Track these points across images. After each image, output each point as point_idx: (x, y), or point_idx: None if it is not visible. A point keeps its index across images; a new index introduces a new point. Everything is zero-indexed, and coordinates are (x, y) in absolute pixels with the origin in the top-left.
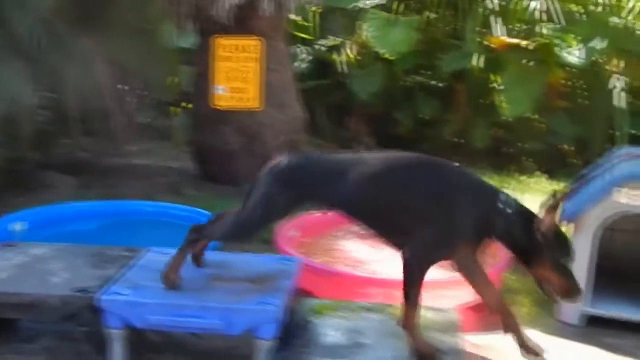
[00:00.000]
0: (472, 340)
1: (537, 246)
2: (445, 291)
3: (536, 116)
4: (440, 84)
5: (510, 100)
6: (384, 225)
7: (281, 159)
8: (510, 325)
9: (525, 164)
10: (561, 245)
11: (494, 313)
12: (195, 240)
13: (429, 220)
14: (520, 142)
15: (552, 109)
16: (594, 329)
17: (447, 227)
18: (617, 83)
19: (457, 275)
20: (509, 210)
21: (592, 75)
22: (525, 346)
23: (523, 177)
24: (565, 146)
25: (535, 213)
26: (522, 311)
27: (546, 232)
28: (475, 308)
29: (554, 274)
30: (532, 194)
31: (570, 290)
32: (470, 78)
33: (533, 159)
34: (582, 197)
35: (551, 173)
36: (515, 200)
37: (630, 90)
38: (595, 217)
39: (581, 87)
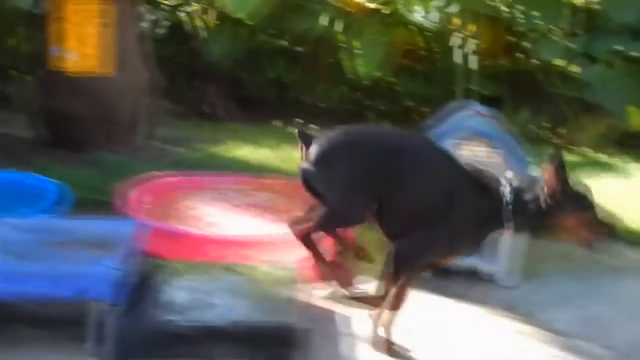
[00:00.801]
0: (317, 293)
1: (552, 211)
2: (286, 247)
3: (392, 79)
4: (298, 48)
5: (363, 62)
6: None
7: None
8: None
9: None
10: (576, 198)
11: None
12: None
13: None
14: (375, 104)
15: (406, 71)
16: (446, 281)
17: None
18: (468, 45)
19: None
20: (511, 197)
21: (444, 37)
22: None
23: None
24: (416, 106)
25: (537, 181)
26: (375, 266)
27: (554, 194)
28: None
29: (580, 224)
30: None
31: (603, 229)
32: (325, 41)
33: (386, 120)
34: None
35: None
36: (514, 182)
37: (480, 52)
38: None
39: (434, 49)
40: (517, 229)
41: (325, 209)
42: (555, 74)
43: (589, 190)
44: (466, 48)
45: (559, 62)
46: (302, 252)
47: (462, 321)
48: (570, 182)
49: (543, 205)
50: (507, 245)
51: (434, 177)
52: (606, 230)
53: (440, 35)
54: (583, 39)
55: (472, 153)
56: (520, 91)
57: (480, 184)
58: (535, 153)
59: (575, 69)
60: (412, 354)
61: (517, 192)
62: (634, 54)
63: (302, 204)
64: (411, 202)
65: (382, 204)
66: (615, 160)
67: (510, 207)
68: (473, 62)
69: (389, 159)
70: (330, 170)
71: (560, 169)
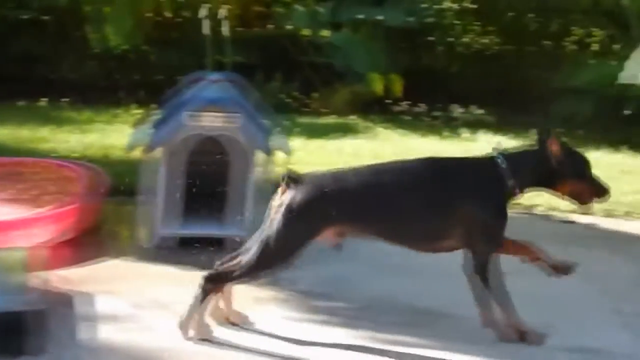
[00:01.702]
0: (60, 274)
1: (557, 172)
2: (22, 231)
3: (145, 49)
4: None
5: (111, 33)
6: None
7: (292, 192)
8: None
9: (121, 97)
10: (577, 159)
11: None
12: (212, 290)
13: None
14: (127, 75)
15: (158, 41)
16: (186, 249)
17: None
18: (220, 13)
19: (33, 214)
20: (511, 166)
21: (194, 6)
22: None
23: (118, 111)
24: (169, 77)
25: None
26: (119, 240)
27: (559, 157)
28: (62, 244)
29: (581, 184)
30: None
31: (600, 191)
32: (71, 12)
33: (139, 91)
34: (168, 124)
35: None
36: (511, 152)
37: (232, 20)
38: (180, 143)
39: (185, 18)
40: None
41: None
42: (305, 42)
43: (585, 157)
44: (218, 16)
45: (308, 30)
46: (37, 235)
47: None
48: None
49: (554, 165)
50: (252, 211)
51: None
52: (604, 192)
53: (190, 4)
54: (330, 6)
55: (209, 122)
56: (272, 59)
57: (474, 167)
58: (286, 120)
59: (326, 35)
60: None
61: (515, 165)
62: (378, 19)
63: (43, 185)
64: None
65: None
66: (361, 123)
67: (512, 180)
68: (225, 31)
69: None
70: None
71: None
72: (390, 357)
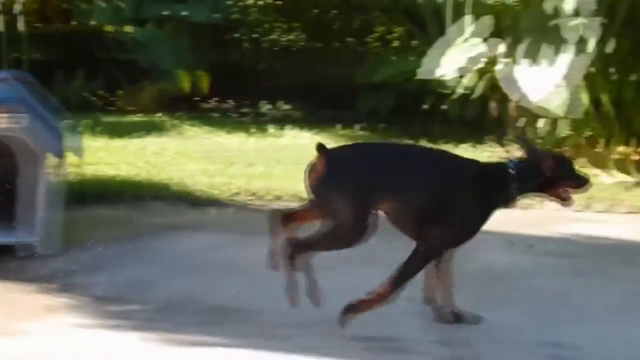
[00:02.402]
0: None
1: (551, 179)
2: None
3: None
4: None
5: None
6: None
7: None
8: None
9: None
10: (566, 165)
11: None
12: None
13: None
14: None
15: None
16: None
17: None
18: (15, 7)
19: None
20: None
21: None
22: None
23: None
24: None
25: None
26: None
27: (551, 167)
28: None
29: (570, 184)
30: None
31: (583, 183)
32: None
33: None
34: None
35: None
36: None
37: (30, 15)
38: None
39: None
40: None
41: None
42: (109, 38)
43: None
44: (13, 11)
45: (112, 26)
46: None
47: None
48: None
49: (544, 178)
50: (43, 215)
51: (435, 177)
52: (586, 182)
53: None
54: (133, 2)
55: None
56: (74, 56)
57: (484, 173)
58: (90, 119)
59: (130, 31)
60: None
61: (522, 172)
62: (183, 15)
63: None
64: (420, 204)
65: (394, 210)
66: (168, 120)
67: (517, 185)
68: (21, 26)
69: (392, 169)
70: (337, 189)
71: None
72: (185, 358)
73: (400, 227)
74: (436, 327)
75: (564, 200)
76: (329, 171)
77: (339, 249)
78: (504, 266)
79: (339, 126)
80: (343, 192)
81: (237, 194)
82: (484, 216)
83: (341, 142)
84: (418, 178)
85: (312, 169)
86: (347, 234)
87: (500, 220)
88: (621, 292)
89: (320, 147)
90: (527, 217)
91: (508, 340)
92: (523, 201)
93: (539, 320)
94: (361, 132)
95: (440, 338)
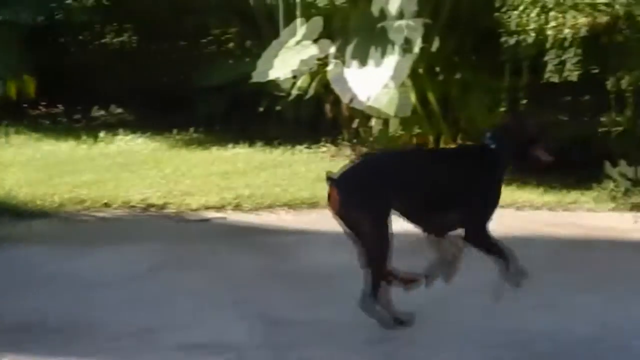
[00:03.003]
0: None
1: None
2: None
3: None
4: None
5: None
6: None
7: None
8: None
9: None
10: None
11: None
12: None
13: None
14: None
15: None
16: None
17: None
18: None
19: None
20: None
21: None
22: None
23: None
24: None
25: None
26: None
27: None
28: None
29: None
30: None
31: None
32: None
33: None
34: None
35: None
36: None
37: None
38: None
39: None
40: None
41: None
42: None
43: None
44: None
45: None
46: None
47: None
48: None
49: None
50: None
51: (439, 172)
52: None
53: None
54: None
55: None
56: None
57: (474, 152)
58: None
59: None
60: None
61: (503, 142)
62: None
63: None
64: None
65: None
66: None
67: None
68: None
69: (396, 174)
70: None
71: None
72: None
73: (413, 220)
74: (264, 330)
75: (547, 160)
76: (343, 198)
77: (384, 260)
78: (329, 265)
79: (175, 130)
80: (363, 211)
81: (63, 204)
82: (493, 189)
83: (177, 147)
84: (421, 176)
85: (329, 200)
86: (383, 244)
87: (330, 220)
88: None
89: (328, 178)
90: None
91: (337, 340)
92: None
93: (367, 318)
94: (197, 136)
95: (265, 342)
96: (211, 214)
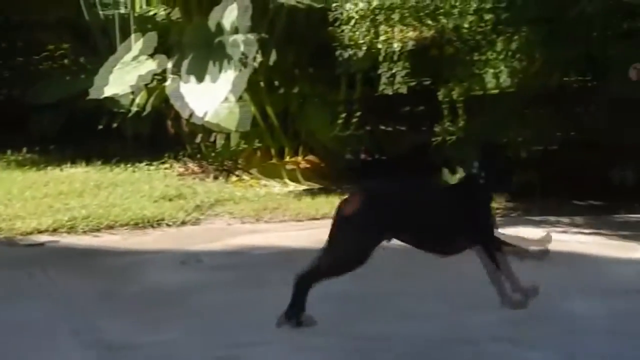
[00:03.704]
0: None
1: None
2: None
3: None
4: None
5: None
6: None
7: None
8: None
9: None
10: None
11: None
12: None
13: None
14: None
15: None
16: None
17: None
18: None
19: None
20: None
21: None
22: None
23: None
24: None
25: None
26: None
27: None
28: None
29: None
30: None
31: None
32: None
33: None
34: None
35: None
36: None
37: None
38: None
39: None
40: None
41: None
42: None
43: None
44: None
45: None
46: None
47: None
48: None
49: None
50: None
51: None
52: None
53: None
54: None
55: None
56: None
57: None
58: None
59: None
60: None
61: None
62: None
63: None
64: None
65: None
66: None
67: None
68: None
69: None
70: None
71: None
72: None
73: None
74: (100, 358)
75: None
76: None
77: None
78: (174, 284)
79: (9, 151)
80: (364, 233)
81: None
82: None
83: (9, 168)
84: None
85: (345, 204)
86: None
87: (175, 238)
88: (283, 298)
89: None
90: (200, 233)
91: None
92: (194, 216)
93: (205, 336)
94: (30, 156)
95: None
96: (44, 238)
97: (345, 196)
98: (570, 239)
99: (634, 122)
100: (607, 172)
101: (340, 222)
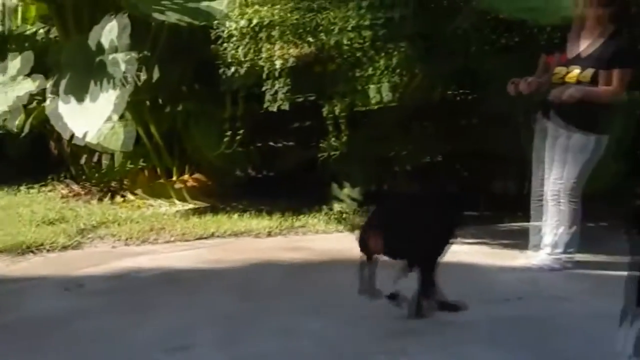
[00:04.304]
0: None
1: None
2: None
3: None
4: None
5: None
6: None
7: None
8: None
9: None
10: None
11: None
12: None
13: None
14: None
15: None
16: None
17: None
18: None
19: None
20: None
21: None
22: None
23: None
24: None
25: None
26: None
27: None
28: None
29: None
30: None
31: None
32: None
33: None
34: None
35: None
36: None
37: None
38: None
39: None
40: None
41: None
42: None
43: None
44: None
45: None
46: None
47: None
48: None
49: None
50: None
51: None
52: None
53: None
54: None
55: None
56: None
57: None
58: None
59: None
60: None
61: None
62: None
63: None
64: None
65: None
66: None
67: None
68: None
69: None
70: None
71: None
72: None
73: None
74: None
75: None
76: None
77: None
78: (53, 312)
79: None
80: None
81: None
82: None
83: None
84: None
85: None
86: None
87: (55, 263)
88: (166, 322)
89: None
90: (83, 257)
91: None
92: (77, 240)
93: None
94: None
95: None
96: None
97: None
98: (459, 250)
99: (514, 134)
100: (491, 183)
101: None
